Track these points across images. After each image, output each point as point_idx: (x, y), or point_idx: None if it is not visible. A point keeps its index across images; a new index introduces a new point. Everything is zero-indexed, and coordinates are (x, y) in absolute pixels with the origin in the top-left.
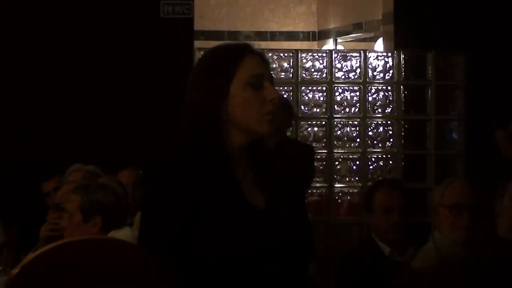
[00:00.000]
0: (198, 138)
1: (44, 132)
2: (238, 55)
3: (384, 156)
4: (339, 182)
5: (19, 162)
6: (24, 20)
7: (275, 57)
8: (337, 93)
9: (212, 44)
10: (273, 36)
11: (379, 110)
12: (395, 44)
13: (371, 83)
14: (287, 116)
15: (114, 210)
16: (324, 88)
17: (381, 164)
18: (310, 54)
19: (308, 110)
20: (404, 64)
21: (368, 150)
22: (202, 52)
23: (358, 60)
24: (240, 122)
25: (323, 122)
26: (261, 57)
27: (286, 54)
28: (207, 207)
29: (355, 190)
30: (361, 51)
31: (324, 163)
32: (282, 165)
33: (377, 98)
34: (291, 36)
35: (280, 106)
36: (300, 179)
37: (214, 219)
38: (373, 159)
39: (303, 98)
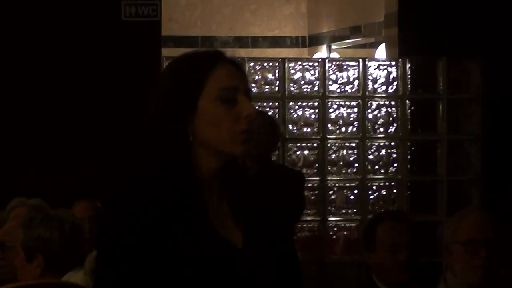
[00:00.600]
0: (162, 160)
1: None
2: (208, 64)
3: (387, 183)
4: (334, 215)
5: None
6: None
7: (257, 67)
8: (331, 110)
9: (182, 51)
10: (256, 42)
11: (381, 129)
12: (400, 51)
13: (372, 97)
14: (272, 137)
15: (59, 248)
16: (316, 104)
17: (384, 193)
18: (299, 63)
19: (297, 129)
20: (410, 74)
21: (368, 176)
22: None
23: (356, 70)
24: (208, 142)
25: (315, 144)
26: (235, 67)
27: (271, 64)
28: (172, 245)
29: (353, 224)
30: (360, 60)
31: (316, 192)
32: (264, 195)
33: (378, 115)
34: (277, 42)
35: (263, 126)
36: (287, 212)
37: (180, 259)
38: (374, 187)
39: (292, 115)
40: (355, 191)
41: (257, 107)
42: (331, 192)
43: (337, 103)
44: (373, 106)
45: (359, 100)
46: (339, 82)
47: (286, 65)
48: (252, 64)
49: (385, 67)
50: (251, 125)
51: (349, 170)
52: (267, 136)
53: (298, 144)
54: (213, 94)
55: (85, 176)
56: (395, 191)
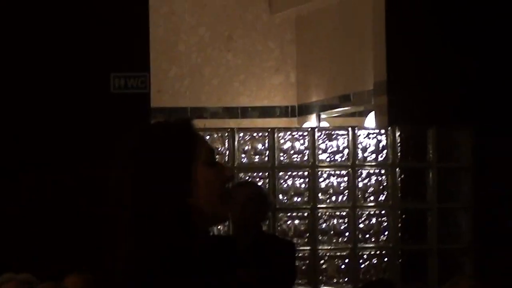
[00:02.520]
0: (162, 238)
1: None
2: (192, 131)
3: (378, 252)
4: (325, 285)
5: None
6: None
7: (247, 137)
8: (321, 179)
9: None
10: (245, 112)
11: (372, 197)
12: (390, 119)
13: (362, 166)
14: (262, 207)
15: None
16: (306, 173)
17: (375, 262)
18: (288, 133)
19: (287, 199)
20: (400, 142)
21: (359, 245)
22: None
23: (346, 139)
24: (204, 206)
25: (306, 214)
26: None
27: (260, 134)
28: None
29: None
30: (349, 128)
31: (307, 262)
32: (255, 266)
33: (368, 183)
34: (266, 112)
35: (252, 196)
36: (277, 282)
37: None
38: (365, 256)
39: (282, 185)
40: (346, 260)
41: (247, 177)
42: (322, 261)
43: (327, 172)
44: (363, 175)
45: (349, 169)
46: (329, 151)
47: (275, 135)
48: (241, 134)
49: (374, 135)
50: (231, 186)
51: (340, 239)
52: (255, 207)
53: (289, 214)
54: (203, 158)
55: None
56: (386, 259)
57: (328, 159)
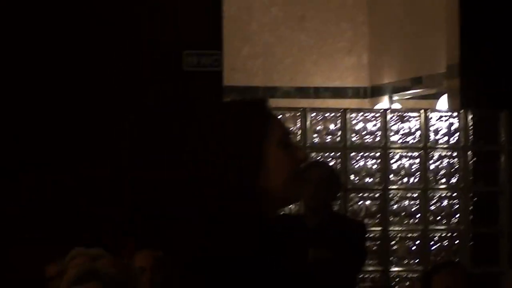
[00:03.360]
0: (229, 209)
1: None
2: (265, 111)
3: (449, 234)
4: (396, 265)
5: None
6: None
7: (319, 117)
8: (393, 160)
9: None
10: (317, 92)
11: (443, 180)
12: (462, 102)
13: (433, 148)
14: (333, 187)
15: None
16: (377, 154)
17: (446, 244)
18: (361, 114)
19: (359, 180)
20: (472, 125)
21: (430, 227)
22: None
23: (418, 121)
24: (274, 187)
25: (377, 195)
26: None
27: (332, 114)
28: None
29: (415, 275)
30: (421, 111)
31: (378, 242)
32: (325, 246)
33: (440, 165)
34: (339, 92)
35: (323, 176)
36: (348, 262)
37: None
38: (435, 238)
39: (353, 165)
40: (417, 242)
41: (318, 158)
42: (393, 242)
43: (399, 153)
44: (435, 157)
45: (421, 151)
46: (400, 132)
47: (347, 116)
48: (313, 114)
49: (447, 118)
50: (307, 170)
51: (411, 220)
52: (327, 187)
53: (360, 195)
54: (276, 139)
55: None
56: (457, 242)
57: (400, 141)
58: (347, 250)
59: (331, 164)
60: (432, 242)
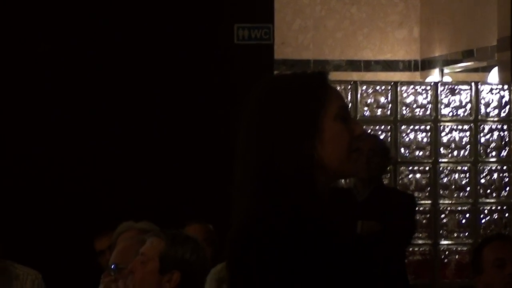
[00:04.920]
0: (284, 182)
1: (92, 180)
2: (324, 84)
3: (499, 207)
4: (446, 239)
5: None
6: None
7: (370, 90)
8: (443, 133)
9: None
10: (368, 65)
11: (493, 153)
12: None
13: (484, 121)
14: (383, 160)
15: (196, 271)
16: (428, 127)
17: (495, 217)
18: (411, 86)
19: (409, 153)
20: None
21: (480, 200)
22: None
23: (469, 94)
24: (329, 161)
25: (427, 168)
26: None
27: (383, 87)
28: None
29: (465, 248)
30: (472, 83)
31: (428, 216)
32: (375, 218)
33: (491, 139)
34: (389, 65)
35: (374, 149)
36: (398, 234)
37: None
38: (485, 211)
39: (404, 138)
40: (467, 215)
41: (369, 130)
42: (442, 215)
43: (449, 126)
44: (486, 130)
45: (471, 124)
46: (451, 105)
47: (398, 89)
48: (364, 87)
49: (497, 91)
50: (360, 144)
51: (461, 194)
52: (378, 159)
53: (410, 168)
54: (333, 112)
55: (195, 196)
56: (507, 215)
57: (450, 114)
58: (396, 222)
59: (381, 137)
60: (482, 215)
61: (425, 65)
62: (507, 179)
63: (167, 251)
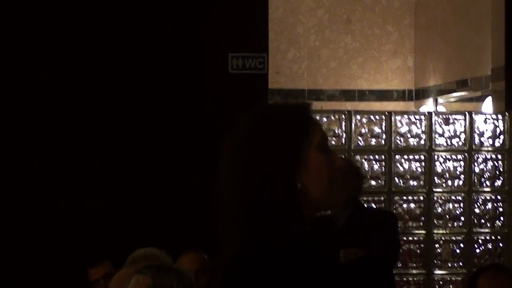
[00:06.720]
0: (270, 212)
1: (87, 210)
2: (308, 115)
3: (493, 237)
4: (440, 269)
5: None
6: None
7: (364, 120)
8: (437, 163)
9: None
10: (362, 95)
11: (488, 182)
12: (507, 105)
13: (478, 151)
14: (358, 180)
15: None
16: (422, 157)
17: (490, 246)
18: (406, 116)
19: (403, 182)
20: None
21: (474, 230)
22: None
23: (463, 124)
24: (312, 192)
25: (421, 197)
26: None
27: (377, 117)
28: None
29: (459, 278)
30: (466, 113)
31: (422, 245)
32: (358, 244)
33: (485, 168)
34: (384, 95)
35: (347, 171)
36: (382, 258)
37: None
38: (480, 241)
39: (398, 168)
40: (461, 245)
41: (363, 160)
42: (437, 245)
43: (444, 156)
44: (480, 160)
45: (466, 154)
46: (445, 135)
47: (393, 118)
48: (358, 117)
49: (491, 120)
50: (341, 175)
51: (455, 223)
52: (352, 181)
53: (404, 197)
54: (316, 143)
55: (191, 226)
56: (501, 245)
57: (444, 143)
58: (380, 245)
59: (375, 166)
60: (476, 245)
61: (419, 95)
62: (501, 209)
63: (155, 284)
